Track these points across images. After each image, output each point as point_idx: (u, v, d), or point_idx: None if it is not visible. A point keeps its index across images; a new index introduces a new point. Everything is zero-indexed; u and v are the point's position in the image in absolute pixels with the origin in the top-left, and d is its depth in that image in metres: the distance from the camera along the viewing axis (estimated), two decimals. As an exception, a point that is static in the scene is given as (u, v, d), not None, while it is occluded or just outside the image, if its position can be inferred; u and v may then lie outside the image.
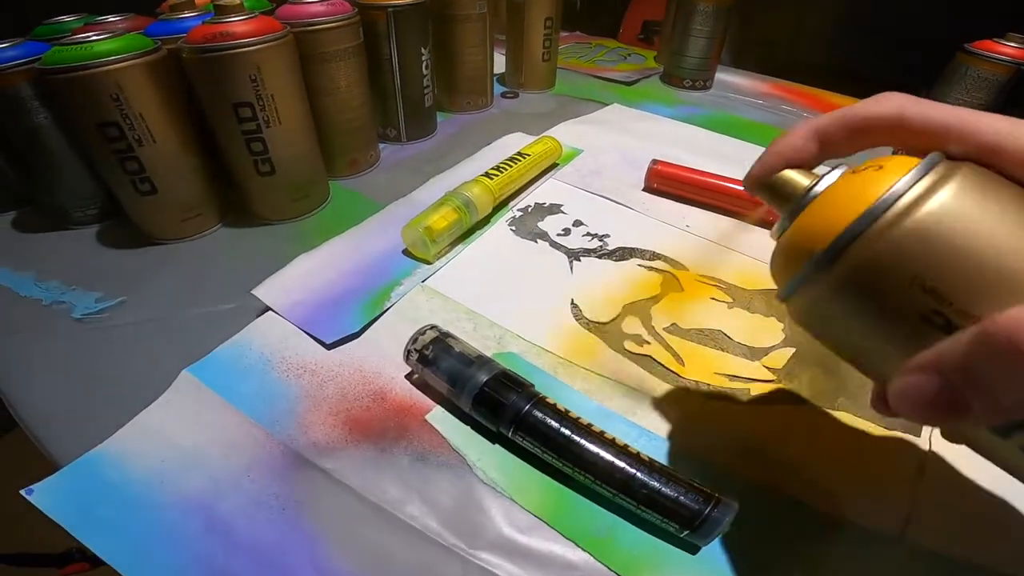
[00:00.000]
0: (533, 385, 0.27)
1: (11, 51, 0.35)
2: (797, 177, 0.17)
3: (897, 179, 0.14)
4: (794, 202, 0.17)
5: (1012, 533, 0.23)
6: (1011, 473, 0.17)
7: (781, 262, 0.18)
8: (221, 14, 0.34)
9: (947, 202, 0.14)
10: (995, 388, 0.13)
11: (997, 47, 0.44)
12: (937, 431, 0.27)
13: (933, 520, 0.23)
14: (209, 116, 0.37)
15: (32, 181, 0.40)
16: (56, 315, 0.34)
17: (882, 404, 0.18)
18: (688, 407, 0.28)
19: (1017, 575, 0.22)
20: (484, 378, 0.26)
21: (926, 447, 0.26)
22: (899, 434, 0.27)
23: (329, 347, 0.31)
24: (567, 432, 0.24)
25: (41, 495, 0.24)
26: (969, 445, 0.18)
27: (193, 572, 0.22)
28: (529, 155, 0.42)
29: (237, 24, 0.33)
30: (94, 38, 0.32)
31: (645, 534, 0.23)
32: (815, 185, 0.17)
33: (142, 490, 0.24)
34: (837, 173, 0.16)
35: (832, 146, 0.17)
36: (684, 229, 0.40)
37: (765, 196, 0.19)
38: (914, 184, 0.14)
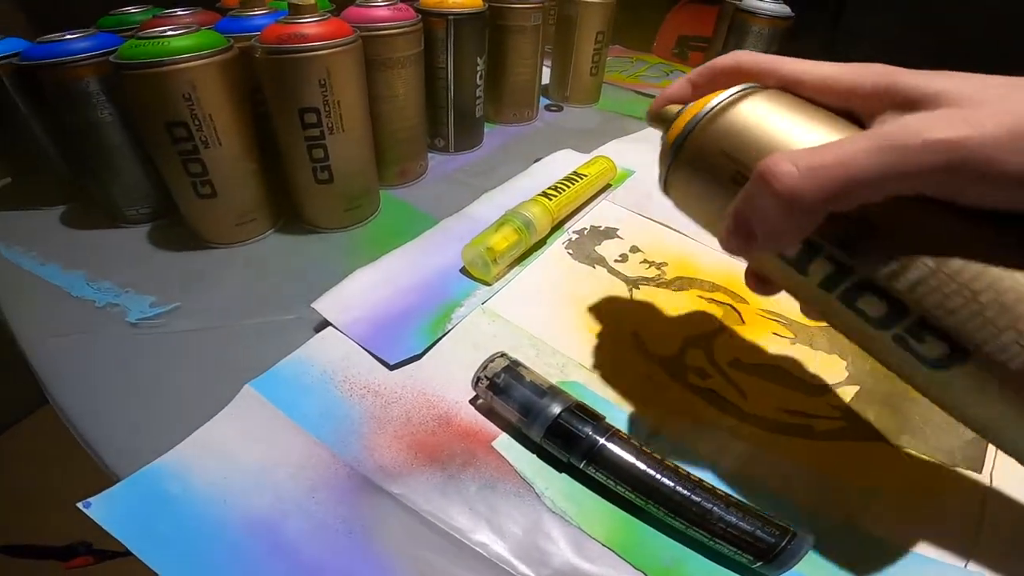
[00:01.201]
0: (605, 417, 0.26)
1: (81, 43, 0.34)
2: (671, 108, 0.24)
3: (716, 96, 0.22)
4: (667, 123, 0.24)
5: None
6: (847, 335, 0.22)
7: (661, 161, 0.24)
8: (295, 14, 0.33)
9: (742, 106, 0.21)
10: (763, 211, 0.18)
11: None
12: (999, 469, 0.27)
13: (994, 551, 0.24)
14: (274, 120, 0.36)
15: (87, 176, 0.40)
16: (110, 318, 0.34)
17: (749, 279, 0.25)
18: (753, 441, 0.28)
19: None
20: (558, 409, 0.26)
21: (987, 482, 0.27)
22: (962, 470, 0.27)
23: (392, 368, 0.30)
24: (642, 467, 0.24)
25: (99, 508, 0.23)
26: (810, 306, 0.23)
27: None
28: (586, 176, 0.42)
29: (310, 25, 0.33)
30: (170, 34, 0.31)
31: (712, 564, 0.23)
32: (680, 111, 0.23)
33: (205, 507, 0.24)
34: (686, 106, 0.23)
35: (698, 88, 0.24)
36: (741, 261, 0.39)
37: (654, 124, 0.25)
38: (723, 98, 0.21)
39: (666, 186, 0.25)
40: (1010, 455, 0.19)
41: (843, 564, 0.23)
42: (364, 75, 0.37)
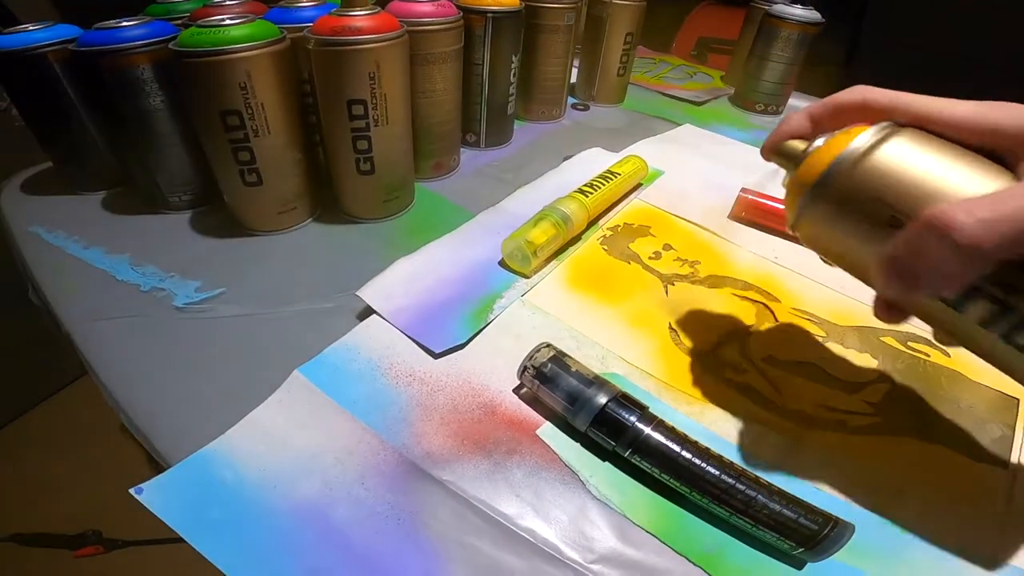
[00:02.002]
0: (649, 407, 0.27)
1: (136, 30, 0.35)
2: (797, 144, 0.25)
3: (858, 135, 0.22)
4: (795, 159, 0.24)
5: None
6: (989, 360, 0.23)
7: (789, 200, 0.25)
8: (347, 7, 0.34)
9: (888, 147, 0.21)
10: (930, 255, 0.18)
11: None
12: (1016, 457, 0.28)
13: (1021, 546, 0.24)
14: (322, 110, 0.37)
15: (132, 162, 0.41)
16: (156, 302, 0.34)
17: (880, 310, 0.24)
18: (788, 435, 0.29)
19: None
20: (604, 399, 0.26)
21: (1012, 478, 0.27)
22: (989, 466, 0.28)
23: (436, 356, 0.31)
24: (688, 456, 0.25)
25: (151, 494, 0.24)
26: (952, 336, 0.23)
27: None
28: (620, 174, 0.43)
29: (362, 19, 0.33)
30: (228, 22, 0.32)
31: (753, 550, 0.24)
32: (808, 147, 0.24)
33: (257, 493, 0.24)
34: (822, 139, 0.23)
35: (820, 124, 0.24)
36: (774, 261, 0.40)
37: (776, 159, 0.26)
38: (868, 139, 0.21)
39: (798, 222, 0.24)
40: None
41: (877, 554, 0.24)
42: (409, 69, 0.38)
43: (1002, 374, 0.34)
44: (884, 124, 0.22)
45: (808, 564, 0.23)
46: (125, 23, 0.35)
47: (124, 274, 0.36)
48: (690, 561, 0.23)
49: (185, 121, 0.38)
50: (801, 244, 0.26)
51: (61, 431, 1.01)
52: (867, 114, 0.22)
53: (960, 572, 0.24)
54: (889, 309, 0.24)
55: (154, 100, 0.37)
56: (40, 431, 1.08)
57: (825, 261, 0.26)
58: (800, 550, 0.23)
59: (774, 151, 0.25)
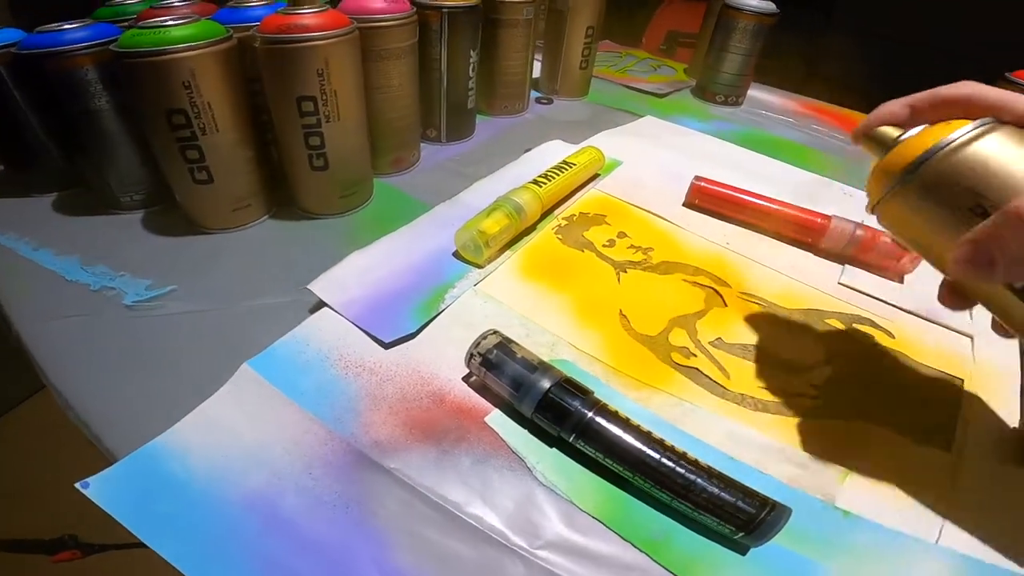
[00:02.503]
0: (594, 392, 0.27)
1: (79, 32, 0.35)
2: (890, 130, 0.25)
3: (960, 127, 0.22)
4: (887, 144, 0.25)
5: None
6: None
7: (875, 181, 0.25)
8: (293, 4, 0.34)
9: (987, 140, 0.22)
10: (1009, 245, 0.20)
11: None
12: (968, 448, 0.29)
13: (963, 527, 0.25)
14: (272, 107, 0.37)
15: (83, 164, 0.40)
16: (106, 301, 0.34)
17: (946, 296, 0.26)
18: (735, 418, 0.29)
19: None
20: (548, 384, 0.27)
21: (956, 460, 0.28)
22: (932, 449, 0.28)
23: (387, 347, 0.31)
24: (630, 439, 0.25)
25: (98, 489, 0.23)
26: (1013, 326, 0.24)
27: (255, 572, 0.22)
28: (575, 164, 0.43)
29: (308, 16, 0.33)
30: (170, 23, 0.32)
31: (699, 536, 0.24)
32: (902, 135, 0.24)
33: (205, 485, 0.24)
34: (918, 128, 0.24)
35: (919, 114, 0.25)
36: (725, 246, 0.41)
37: (866, 143, 0.26)
38: (968, 131, 0.22)
39: (880, 205, 0.25)
40: None
41: (821, 538, 0.24)
42: (360, 65, 0.38)
43: (947, 355, 0.36)
44: (986, 120, 0.22)
45: (751, 550, 0.24)
46: (68, 26, 0.35)
47: (74, 274, 0.36)
48: (636, 547, 0.24)
49: (133, 121, 0.38)
50: (880, 225, 0.27)
51: (35, 436, 0.99)
52: (970, 110, 0.23)
53: (903, 557, 0.24)
54: (954, 295, 0.25)
55: (99, 101, 0.36)
56: (14, 436, 1.06)
57: (897, 243, 0.28)
58: (740, 535, 0.23)
59: (867, 134, 0.26)
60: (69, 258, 0.37)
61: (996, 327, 0.27)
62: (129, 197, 0.41)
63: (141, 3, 0.42)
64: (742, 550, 0.24)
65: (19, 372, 0.95)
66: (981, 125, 0.22)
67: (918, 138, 0.23)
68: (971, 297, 0.25)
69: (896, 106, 0.25)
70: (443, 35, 0.46)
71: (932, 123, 0.24)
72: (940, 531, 0.25)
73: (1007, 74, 0.47)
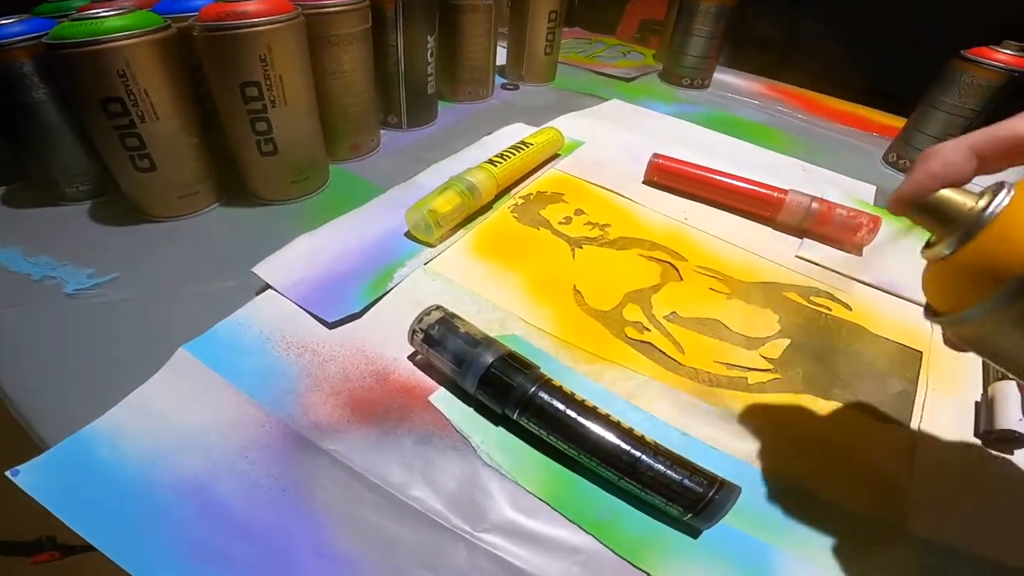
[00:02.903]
0: (539, 367, 0.27)
1: (15, 27, 0.34)
2: (959, 198, 0.17)
3: None
4: (962, 224, 0.16)
5: (1000, 521, 0.24)
6: None
7: (951, 286, 0.17)
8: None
9: None
10: None
11: (992, 54, 0.45)
12: (926, 422, 0.28)
13: (929, 509, 0.24)
14: (216, 94, 0.36)
15: (26, 156, 0.39)
16: (47, 291, 0.33)
17: None
18: (688, 392, 0.29)
19: (1005, 561, 0.23)
20: (490, 359, 0.26)
21: (915, 436, 0.27)
22: (890, 425, 0.28)
23: (331, 326, 0.30)
24: (573, 415, 0.24)
25: (28, 476, 0.23)
26: None
27: (187, 556, 0.21)
28: (532, 144, 0.43)
29: (249, 3, 0.33)
30: (104, 14, 0.31)
31: (648, 518, 0.23)
32: (989, 206, 0.16)
33: (135, 471, 0.24)
34: (1005, 195, 0.16)
35: (988, 164, 0.17)
36: (683, 222, 0.40)
37: (921, 216, 0.18)
38: None
39: (969, 318, 0.17)
40: None
41: (775, 519, 0.24)
42: (307, 51, 0.37)
43: (906, 328, 0.34)
44: None
45: (703, 533, 0.23)
46: (3, 21, 0.35)
47: (16, 265, 0.35)
48: (583, 529, 0.23)
49: (73, 113, 0.37)
50: (949, 335, 0.20)
51: (7, 437, 0.97)
52: None
53: (860, 539, 0.23)
54: None
55: (37, 93, 0.36)
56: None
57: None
58: (689, 516, 0.22)
59: (918, 205, 0.18)
60: (12, 250, 0.36)
61: None
62: (75, 188, 0.40)
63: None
64: (694, 533, 0.23)
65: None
66: None
67: (1018, 223, 0.15)
68: None
69: (954, 155, 0.17)
70: (398, 20, 0.46)
71: (1005, 180, 0.16)
72: (898, 511, 0.24)
73: (963, 52, 0.47)
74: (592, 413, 0.25)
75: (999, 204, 0.16)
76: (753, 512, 0.23)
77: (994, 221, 0.16)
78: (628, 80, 0.67)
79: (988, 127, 0.17)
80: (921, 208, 0.17)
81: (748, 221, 0.41)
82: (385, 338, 0.30)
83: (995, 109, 0.45)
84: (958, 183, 0.17)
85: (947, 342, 0.20)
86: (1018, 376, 0.19)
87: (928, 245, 0.18)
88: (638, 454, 0.23)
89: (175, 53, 0.34)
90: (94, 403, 0.26)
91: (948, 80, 0.47)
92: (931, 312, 0.19)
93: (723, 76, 0.67)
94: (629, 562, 0.22)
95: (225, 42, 0.33)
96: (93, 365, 0.29)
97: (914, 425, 0.28)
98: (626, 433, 0.24)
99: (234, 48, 0.33)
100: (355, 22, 0.41)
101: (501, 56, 0.64)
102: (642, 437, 0.24)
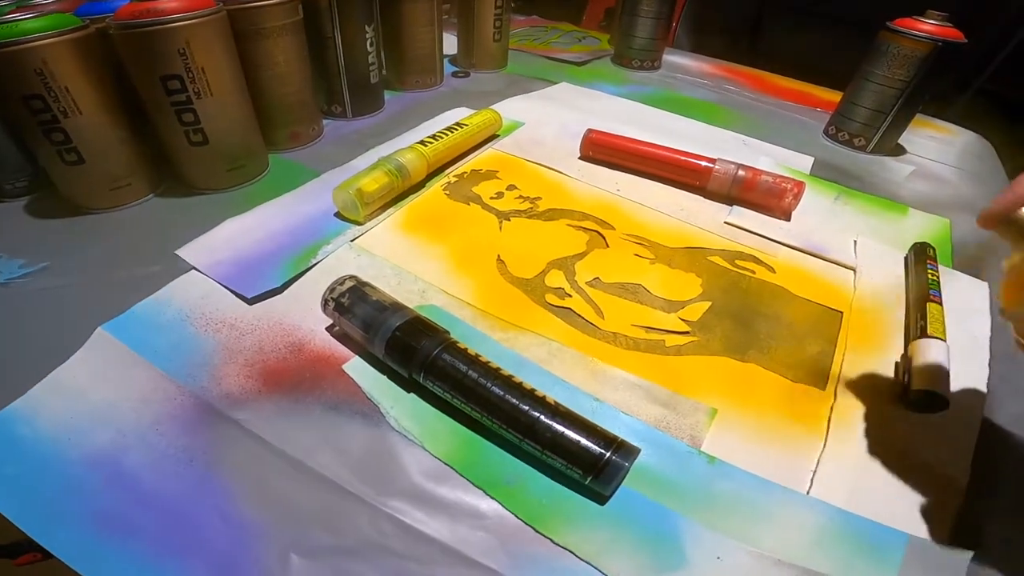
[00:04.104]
0: (448, 332, 0.27)
1: None
2: None
3: None
4: None
5: (910, 490, 0.24)
6: None
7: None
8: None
9: None
10: None
11: (917, 24, 0.46)
12: (842, 385, 0.28)
13: (837, 476, 0.24)
14: (138, 88, 0.37)
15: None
16: (-22, 282, 0.33)
17: None
18: (605, 357, 0.29)
19: (913, 531, 0.22)
20: (397, 323, 0.26)
21: (831, 400, 0.27)
22: (805, 386, 0.28)
23: (251, 302, 0.31)
24: (474, 375, 0.25)
25: None
26: None
27: (94, 526, 0.22)
28: (467, 125, 0.43)
29: (165, 1, 0.34)
30: (21, 18, 0.32)
31: (554, 484, 0.23)
32: None
33: (50, 447, 0.24)
34: None
35: None
36: (615, 193, 0.41)
37: (1005, 230, 0.20)
38: None
39: None
40: None
41: (684, 487, 0.23)
42: (231, 43, 0.38)
43: (829, 289, 0.33)
44: None
45: (611, 500, 0.23)
46: None
47: (-50, 261, 0.35)
48: (488, 495, 0.23)
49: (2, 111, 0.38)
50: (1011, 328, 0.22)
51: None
52: None
53: (770, 508, 0.23)
54: None
55: None
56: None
57: None
58: (589, 479, 0.22)
59: (1004, 219, 0.20)
60: (-52, 246, 0.37)
61: None
62: (11, 184, 0.40)
63: (10, 4, 0.42)
64: (600, 500, 0.23)
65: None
66: None
67: None
68: None
69: None
70: (333, 11, 0.46)
71: None
72: (812, 480, 0.24)
73: (889, 23, 0.47)
74: (494, 374, 0.25)
75: None
76: (661, 479, 0.23)
77: None
78: (580, 64, 0.67)
79: None
80: (1006, 223, 0.20)
81: (679, 191, 0.42)
82: (304, 312, 0.30)
83: (924, 78, 0.45)
84: None
85: (1019, 344, 0.21)
86: None
87: (1010, 257, 0.21)
88: (536, 414, 0.23)
89: (95, 51, 0.35)
90: (18, 385, 0.26)
91: (877, 52, 0.47)
92: (1007, 314, 0.21)
93: (674, 58, 0.68)
94: (533, 527, 0.22)
95: (141, 39, 0.34)
96: (18, 349, 0.29)
97: (829, 389, 0.28)
98: (527, 394, 0.24)
99: (151, 44, 0.34)
100: (282, 15, 0.41)
101: (453, 45, 0.65)
102: (543, 398, 0.24)
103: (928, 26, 0.45)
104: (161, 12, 0.34)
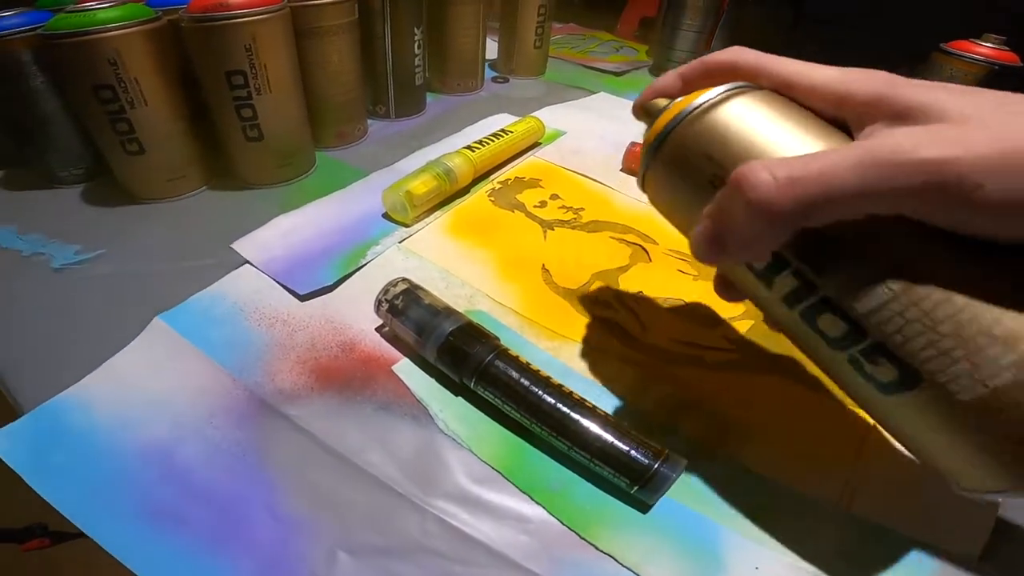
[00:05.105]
0: (498, 339, 0.27)
1: (14, 19, 0.36)
2: (659, 102, 0.23)
3: (703, 93, 0.21)
4: (653, 117, 0.23)
5: (944, 508, 0.23)
6: (804, 352, 0.22)
7: (641, 157, 0.24)
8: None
9: (728, 106, 0.20)
10: (735, 219, 0.17)
11: (973, 47, 0.45)
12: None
13: (873, 493, 0.24)
14: (203, 82, 0.38)
15: (22, 142, 0.41)
16: (35, 266, 0.34)
17: (717, 286, 0.24)
18: (647, 370, 0.29)
19: (947, 547, 0.22)
20: (450, 328, 0.27)
21: (870, 421, 0.27)
22: (844, 405, 0.27)
23: (303, 299, 0.31)
24: (526, 383, 0.25)
25: (1, 442, 0.24)
26: (769, 317, 0.23)
27: (145, 519, 0.22)
28: (512, 132, 0.43)
29: None
30: (96, 7, 0.33)
31: (598, 491, 0.23)
32: (666, 106, 0.22)
33: (104, 437, 0.24)
34: (679, 99, 0.22)
35: (690, 83, 0.23)
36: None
37: (643, 117, 0.24)
38: (709, 97, 0.20)
39: (643, 182, 0.24)
40: (944, 478, 0.19)
41: (723, 497, 0.23)
42: (292, 41, 0.39)
43: None
44: (733, 84, 0.20)
45: (653, 508, 0.23)
46: (4, 13, 0.37)
47: (8, 242, 0.37)
48: (533, 500, 0.23)
49: (68, 100, 0.39)
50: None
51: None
52: (736, 76, 0.21)
53: (806, 521, 0.23)
54: (724, 285, 0.23)
55: (35, 82, 0.37)
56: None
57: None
58: (636, 488, 0.23)
59: (639, 109, 0.24)
60: (6, 228, 0.38)
61: (766, 321, 0.24)
62: (68, 171, 0.42)
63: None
64: (643, 508, 0.23)
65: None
66: (728, 90, 0.20)
67: (671, 108, 0.21)
68: (738, 288, 0.23)
69: (670, 77, 0.23)
70: (385, 12, 0.47)
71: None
72: (849, 495, 0.24)
73: (943, 45, 0.47)
74: (545, 383, 0.25)
75: (667, 106, 0.22)
76: (702, 490, 0.24)
77: (660, 115, 0.22)
78: (618, 74, 0.67)
79: (699, 58, 0.23)
80: (641, 110, 0.24)
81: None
82: (355, 311, 0.31)
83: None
84: (669, 95, 0.23)
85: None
86: (683, 231, 0.23)
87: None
88: (587, 424, 0.24)
89: (165, 43, 0.36)
90: (73, 372, 0.27)
91: (930, 73, 0.47)
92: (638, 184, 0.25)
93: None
94: (577, 533, 0.22)
95: (211, 32, 0.35)
96: (75, 336, 0.30)
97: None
98: (578, 403, 0.24)
99: (220, 38, 0.35)
100: (341, 14, 0.42)
101: (493, 50, 0.65)
102: (594, 408, 0.24)
103: (985, 49, 0.45)
104: (231, 7, 0.35)
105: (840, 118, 0.19)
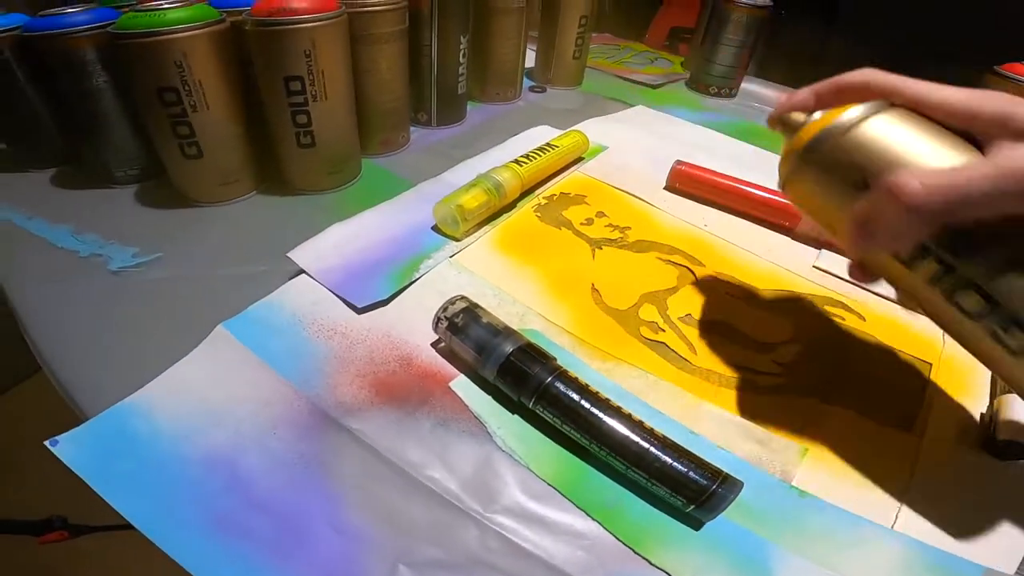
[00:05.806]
0: (556, 359, 0.28)
1: (81, 16, 0.37)
2: (798, 115, 0.27)
3: (849, 109, 0.24)
4: (793, 128, 0.26)
5: (992, 529, 0.24)
6: (938, 323, 0.25)
7: (783, 162, 0.27)
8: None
9: (874, 121, 0.23)
10: (888, 217, 0.22)
11: (1026, 71, 0.45)
12: (930, 430, 0.29)
13: (922, 512, 0.25)
14: (261, 87, 0.38)
15: (80, 140, 0.42)
16: (92, 267, 0.35)
17: (854, 269, 0.27)
18: (698, 393, 0.29)
19: (986, 564, 0.23)
20: (510, 348, 0.27)
21: (918, 442, 0.28)
22: (894, 431, 0.28)
23: (359, 311, 0.32)
24: (587, 405, 0.25)
25: (65, 446, 0.24)
26: (908, 295, 0.26)
27: (209, 529, 0.22)
28: (558, 147, 0.44)
29: (297, 1, 0.35)
30: (165, 6, 0.33)
31: (652, 508, 0.24)
32: (807, 119, 0.26)
33: (168, 444, 0.24)
34: (820, 113, 0.25)
35: (823, 100, 0.26)
36: (703, 228, 0.41)
37: (779, 127, 0.28)
38: (859, 113, 0.24)
39: (787, 183, 0.27)
40: None
41: (775, 517, 0.24)
42: (348, 48, 0.39)
43: (918, 340, 0.35)
44: (876, 102, 0.24)
45: (705, 525, 0.24)
46: (70, 10, 0.37)
47: (65, 242, 0.37)
48: (589, 516, 0.24)
49: (128, 99, 0.39)
50: (791, 202, 0.29)
51: (32, 417, 1.01)
52: (867, 95, 0.24)
53: (857, 540, 0.24)
54: (860, 269, 0.27)
55: (97, 80, 0.38)
56: (11, 416, 1.08)
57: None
58: (692, 507, 0.23)
59: (779, 120, 0.28)
60: (62, 227, 0.38)
61: (899, 299, 0.29)
62: (124, 172, 0.42)
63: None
64: (695, 524, 0.24)
65: (9, 358, 0.96)
66: (871, 108, 0.24)
67: (817, 121, 0.25)
68: (874, 271, 0.26)
69: (804, 93, 0.27)
70: (433, 21, 0.47)
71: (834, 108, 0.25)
72: (896, 515, 0.25)
73: (996, 68, 0.47)
74: (605, 405, 0.26)
75: (811, 119, 0.25)
76: (753, 508, 0.24)
77: (804, 127, 0.25)
78: (655, 87, 0.67)
79: (832, 78, 0.26)
80: (779, 122, 0.27)
81: (767, 230, 0.42)
82: (410, 325, 0.31)
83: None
84: (803, 110, 0.27)
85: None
86: (829, 232, 0.27)
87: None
88: (647, 445, 0.24)
89: (228, 46, 0.36)
90: (133, 376, 0.27)
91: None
92: (779, 184, 0.28)
93: (750, 86, 0.68)
94: (631, 548, 0.23)
95: (273, 36, 0.35)
96: (134, 340, 0.30)
97: (917, 433, 0.28)
98: (636, 425, 0.25)
99: (281, 43, 0.35)
100: (394, 21, 0.43)
101: (530, 59, 0.66)
102: (652, 430, 0.25)
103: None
104: (293, 11, 0.35)
105: (968, 132, 0.22)
